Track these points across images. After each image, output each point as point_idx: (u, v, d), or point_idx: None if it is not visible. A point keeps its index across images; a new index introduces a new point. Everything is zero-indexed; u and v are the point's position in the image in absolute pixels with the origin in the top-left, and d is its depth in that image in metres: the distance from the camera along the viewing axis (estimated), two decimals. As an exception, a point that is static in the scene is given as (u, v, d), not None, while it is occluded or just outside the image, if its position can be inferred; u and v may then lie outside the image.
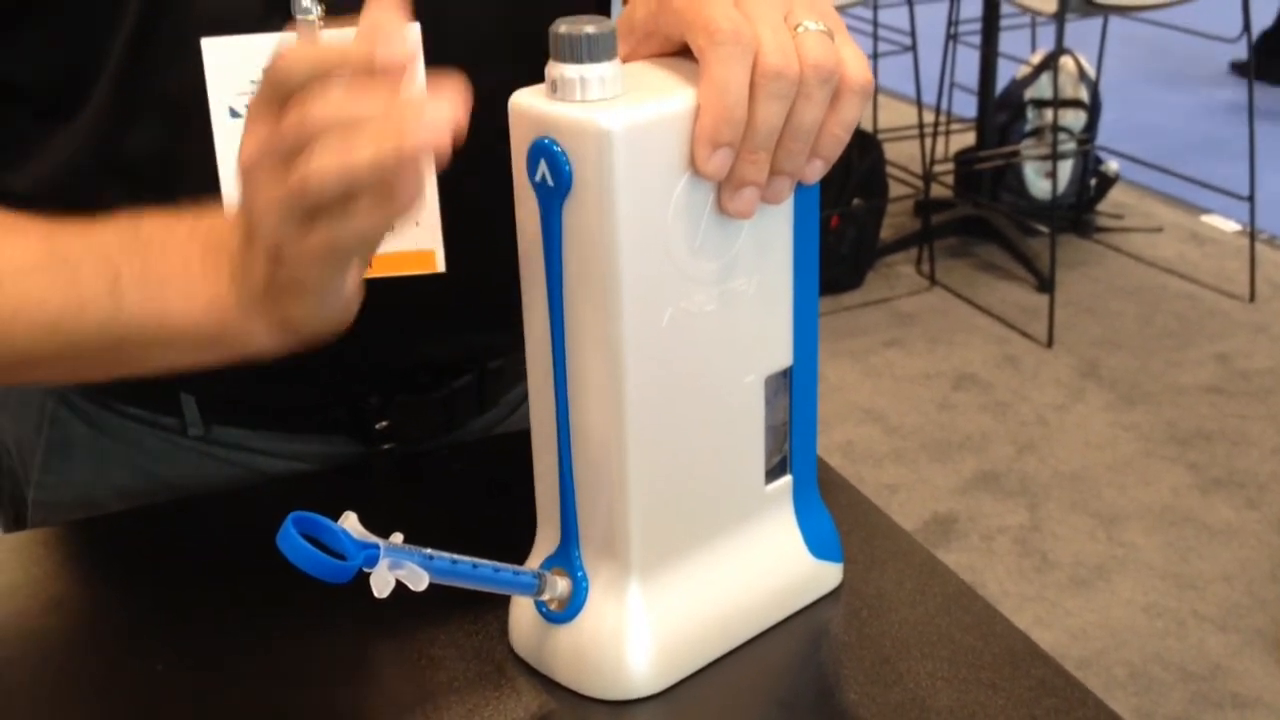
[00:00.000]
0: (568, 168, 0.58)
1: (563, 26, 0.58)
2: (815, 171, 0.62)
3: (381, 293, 0.79)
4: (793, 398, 0.69)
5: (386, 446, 0.87)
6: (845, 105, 0.60)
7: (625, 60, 0.62)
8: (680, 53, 0.62)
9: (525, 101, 0.59)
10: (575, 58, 0.58)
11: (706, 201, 0.61)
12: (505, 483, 0.67)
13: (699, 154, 0.59)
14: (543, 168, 0.59)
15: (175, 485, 0.87)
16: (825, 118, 0.60)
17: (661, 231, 0.60)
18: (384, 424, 0.86)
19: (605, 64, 0.58)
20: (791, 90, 0.58)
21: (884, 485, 2.52)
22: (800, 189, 0.64)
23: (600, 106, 0.58)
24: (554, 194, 0.59)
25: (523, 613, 0.68)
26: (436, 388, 0.88)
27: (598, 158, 0.57)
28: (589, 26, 0.57)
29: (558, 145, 0.58)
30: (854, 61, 0.60)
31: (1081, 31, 3.40)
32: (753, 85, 0.58)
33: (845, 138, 0.61)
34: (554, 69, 0.58)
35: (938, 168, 3.42)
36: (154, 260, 0.67)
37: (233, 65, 0.75)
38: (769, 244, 0.65)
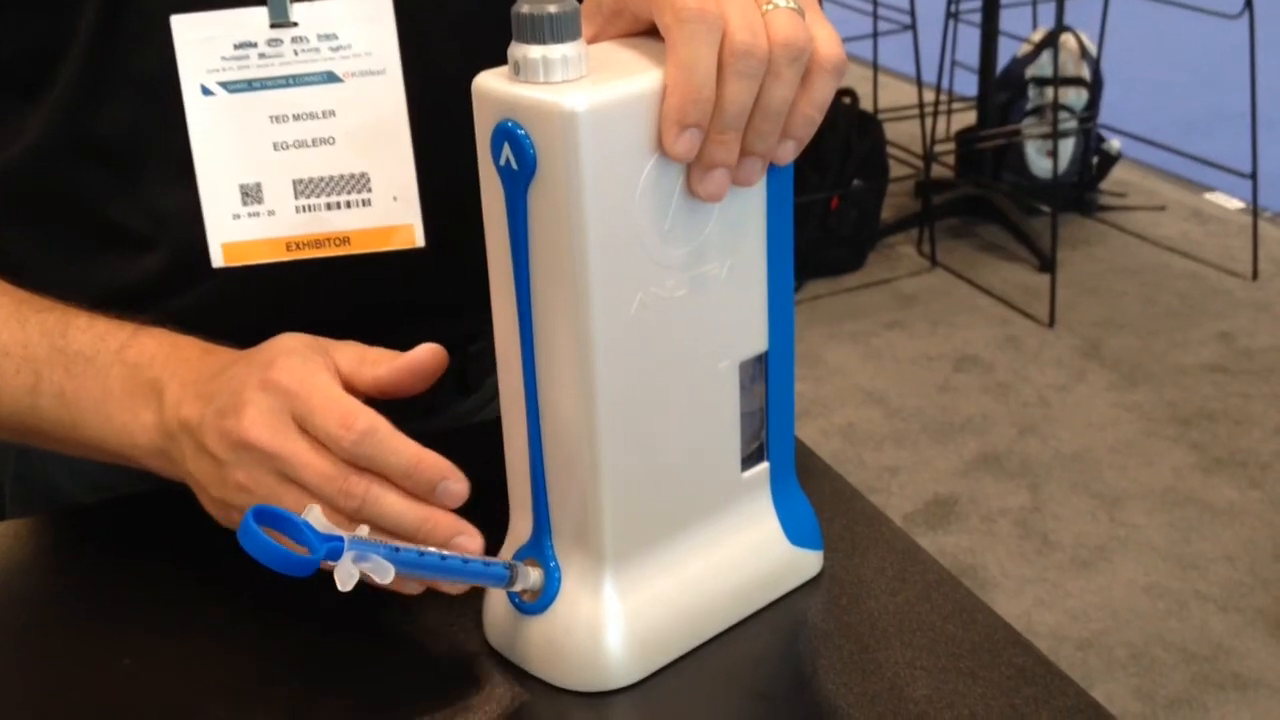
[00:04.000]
0: (532, 151, 0.57)
1: (525, 7, 0.57)
2: (787, 152, 0.61)
3: (361, 270, 0.78)
4: (769, 383, 0.68)
5: None
6: (817, 84, 0.59)
7: (592, 41, 0.61)
8: (648, 33, 0.61)
9: (488, 84, 0.58)
10: (538, 38, 0.56)
11: (676, 184, 0.60)
12: (480, 472, 0.66)
13: (666, 135, 0.58)
14: (506, 151, 0.58)
15: (150, 477, 0.86)
16: (796, 97, 0.59)
17: (630, 216, 0.59)
18: None
19: (569, 44, 0.57)
20: (760, 69, 0.57)
21: (884, 467, 2.51)
22: (773, 170, 0.63)
23: (564, 88, 0.56)
24: (518, 178, 0.58)
25: (496, 604, 0.67)
26: None
27: (562, 140, 0.56)
28: (551, 6, 0.56)
29: (521, 128, 0.57)
30: (825, 39, 0.59)
31: (1082, 8, 3.38)
32: (721, 64, 0.57)
33: (818, 117, 0.60)
34: (516, 50, 0.57)
35: (938, 147, 3.39)
36: (76, 376, 0.71)
37: (204, 42, 0.74)
38: (741, 227, 0.64)
